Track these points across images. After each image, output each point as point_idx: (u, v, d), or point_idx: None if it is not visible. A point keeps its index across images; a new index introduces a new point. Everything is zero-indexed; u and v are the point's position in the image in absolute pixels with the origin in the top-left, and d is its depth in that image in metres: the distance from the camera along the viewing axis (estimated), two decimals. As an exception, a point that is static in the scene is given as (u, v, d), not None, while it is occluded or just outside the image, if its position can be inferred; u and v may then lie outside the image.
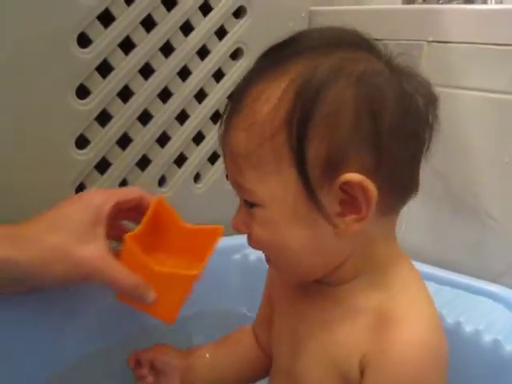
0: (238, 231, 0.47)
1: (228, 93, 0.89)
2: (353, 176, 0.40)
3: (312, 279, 0.48)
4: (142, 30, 0.76)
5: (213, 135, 0.89)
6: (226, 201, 0.88)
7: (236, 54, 0.90)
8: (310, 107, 0.40)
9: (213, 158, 0.91)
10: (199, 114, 0.87)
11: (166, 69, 0.80)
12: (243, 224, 0.46)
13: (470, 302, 0.70)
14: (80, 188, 0.75)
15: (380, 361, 0.42)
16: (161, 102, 0.81)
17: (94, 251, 0.53)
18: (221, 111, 0.89)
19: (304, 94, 0.40)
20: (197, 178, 0.90)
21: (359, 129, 0.40)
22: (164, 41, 0.79)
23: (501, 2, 1.01)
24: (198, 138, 0.88)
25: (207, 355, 0.63)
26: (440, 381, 0.42)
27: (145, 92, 0.79)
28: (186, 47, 0.82)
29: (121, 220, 0.62)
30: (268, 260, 0.49)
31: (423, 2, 1.06)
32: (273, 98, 0.41)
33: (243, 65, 0.90)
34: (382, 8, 0.98)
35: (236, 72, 0.89)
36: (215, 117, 0.89)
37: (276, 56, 0.43)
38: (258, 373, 0.62)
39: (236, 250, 0.86)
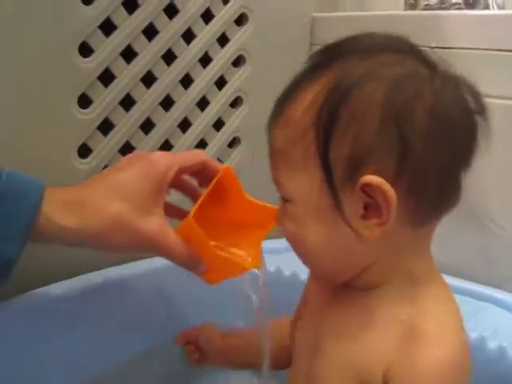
0: (277, 223, 0.50)
1: (230, 100, 0.89)
2: (372, 178, 0.40)
3: (340, 280, 0.48)
4: (143, 38, 0.76)
5: (215, 142, 0.89)
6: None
7: (238, 62, 0.90)
8: (336, 108, 0.41)
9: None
10: (201, 122, 0.86)
11: (168, 77, 0.80)
12: (279, 217, 0.48)
13: (475, 309, 0.70)
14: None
15: (407, 375, 0.41)
16: (163, 110, 0.81)
17: (154, 224, 0.53)
18: (223, 119, 0.89)
19: (332, 96, 0.41)
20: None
21: (382, 131, 0.40)
22: (166, 49, 0.79)
23: (503, 8, 1.00)
24: (201, 146, 0.88)
25: (244, 337, 0.67)
26: None
27: (147, 100, 0.78)
28: (187, 55, 0.82)
29: (181, 184, 0.61)
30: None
31: (425, 7, 1.05)
32: (307, 99, 0.42)
33: (245, 72, 0.90)
34: (385, 14, 0.97)
35: (238, 79, 0.89)
36: (217, 124, 0.89)
37: (318, 61, 0.45)
38: (279, 362, 0.61)
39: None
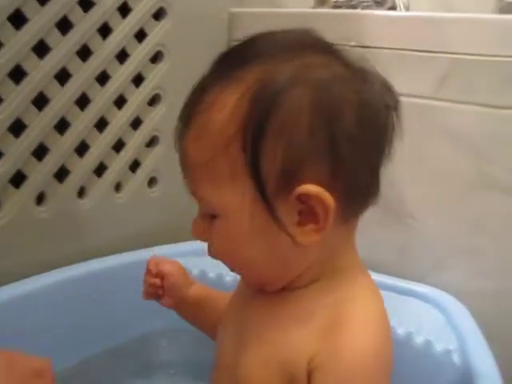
0: (199, 239, 0.46)
1: (148, 98, 0.86)
2: (309, 188, 0.39)
3: (276, 287, 0.47)
4: (57, 32, 0.71)
5: (134, 142, 0.85)
6: (148, 211, 0.88)
7: (156, 58, 0.86)
8: (265, 116, 0.38)
9: (134, 166, 0.87)
10: (119, 121, 0.82)
11: (83, 74, 0.75)
12: (203, 232, 0.45)
13: (399, 303, 0.72)
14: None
15: (329, 363, 0.41)
16: (78, 109, 0.76)
17: None
18: (141, 117, 0.86)
19: (259, 103, 0.39)
20: (118, 187, 0.86)
21: (314, 138, 0.39)
22: (81, 44, 0.74)
23: (408, 8, 1.05)
24: (119, 146, 0.84)
25: (201, 296, 0.63)
26: None
27: (61, 100, 0.73)
28: (104, 50, 0.77)
29: None
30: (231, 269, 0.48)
31: (334, 4, 1.07)
32: (227, 106, 0.40)
33: (164, 68, 0.87)
34: (300, 11, 0.98)
35: (156, 76, 0.86)
36: (135, 124, 0.85)
37: (233, 60, 0.42)
38: None
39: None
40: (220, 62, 0.43)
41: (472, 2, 0.98)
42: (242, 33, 0.95)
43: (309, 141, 0.39)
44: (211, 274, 0.83)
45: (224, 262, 0.47)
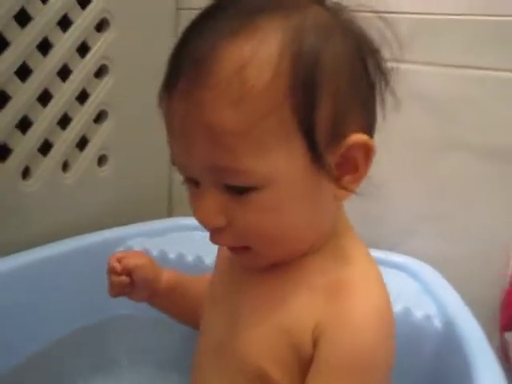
0: (210, 225, 0.41)
1: (95, 68, 0.80)
2: (358, 137, 0.39)
3: (292, 258, 0.44)
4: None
5: (80, 117, 0.79)
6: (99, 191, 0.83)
7: (101, 25, 0.80)
8: (313, 73, 0.37)
9: (81, 144, 0.81)
10: (64, 94, 0.76)
11: (22, 42, 0.68)
12: (221, 215, 0.40)
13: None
14: None
15: (335, 328, 0.40)
16: (19, 81, 0.70)
17: None
18: (88, 90, 0.80)
19: (303, 60, 0.36)
20: (65, 167, 0.79)
21: (356, 86, 0.40)
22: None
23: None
24: (65, 121, 0.78)
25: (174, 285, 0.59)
26: (392, 348, 0.41)
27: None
28: (44, 17, 0.70)
29: None
30: (242, 249, 0.43)
31: None
32: (266, 62, 0.36)
33: (110, 37, 0.81)
34: None
35: (102, 46, 0.80)
36: (81, 97, 0.79)
37: (240, 8, 0.38)
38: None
39: (119, 242, 0.79)
40: (221, 10, 0.39)
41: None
42: (190, 1, 0.91)
43: (352, 89, 0.39)
44: (171, 255, 0.79)
45: (251, 241, 0.41)
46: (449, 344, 0.60)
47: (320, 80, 0.37)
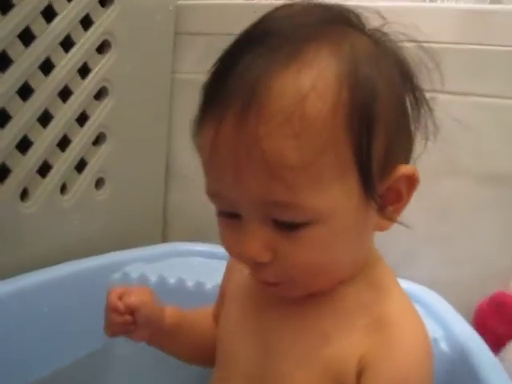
0: (255, 261, 0.39)
1: (95, 91, 0.79)
2: (405, 169, 0.39)
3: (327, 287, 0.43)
4: None
5: (80, 138, 0.78)
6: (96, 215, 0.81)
7: (103, 47, 0.80)
8: (370, 104, 0.36)
9: (79, 166, 0.80)
10: (64, 115, 0.75)
11: (26, 61, 0.67)
12: (268, 251, 0.38)
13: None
14: None
15: (383, 359, 0.39)
16: (21, 100, 0.68)
17: None
18: (87, 112, 0.78)
19: (360, 91, 0.36)
20: (63, 189, 0.78)
21: (402, 115, 0.40)
22: (23, 27, 0.66)
23: None
24: (64, 143, 0.76)
25: (177, 321, 0.54)
26: (432, 379, 0.41)
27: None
28: (48, 36, 0.70)
29: None
30: (279, 283, 0.41)
31: None
32: (325, 97, 0.35)
33: (111, 59, 0.80)
34: (247, 3, 0.96)
35: (103, 67, 0.79)
36: (81, 119, 0.78)
37: (280, 42, 0.36)
38: (210, 358, 0.53)
39: (116, 267, 0.77)
40: (265, 36, 0.37)
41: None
42: (190, 26, 0.92)
43: (400, 118, 0.40)
44: (171, 281, 0.77)
45: (295, 276, 0.40)
46: (458, 367, 0.59)
47: (377, 111, 0.37)
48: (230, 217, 0.40)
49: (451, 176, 0.75)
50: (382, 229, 0.42)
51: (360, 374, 0.40)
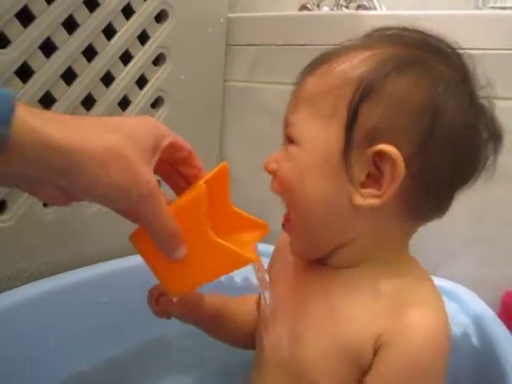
0: (265, 169, 0.48)
1: (152, 100, 0.86)
2: (390, 148, 0.41)
3: (319, 249, 0.48)
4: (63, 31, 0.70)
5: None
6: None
7: (158, 59, 0.86)
8: (384, 78, 0.42)
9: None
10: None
11: (88, 74, 0.74)
12: (275, 161, 0.48)
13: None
14: None
15: (400, 339, 0.42)
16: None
17: (152, 176, 0.41)
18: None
19: (384, 66, 0.42)
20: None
21: (416, 118, 0.42)
22: (86, 44, 0.73)
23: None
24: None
25: (214, 313, 0.58)
26: (445, 368, 0.43)
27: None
28: (108, 52, 0.77)
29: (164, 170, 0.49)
30: (286, 221, 0.49)
31: (318, 8, 1.10)
32: (358, 60, 0.44)
33: (166, 70, 0.86)
34: (294, 14, 1.00)
35: (159, 78, 0.86)
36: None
37: (374, 38, 0.47)
38: (252, 343, 0.58)
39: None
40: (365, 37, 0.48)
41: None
42: (239, 36, 0.97)
43: (410, 115, 0.42)
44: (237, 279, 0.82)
45: (282, 194, 0.48)
46: (486, 360, 0.61)
47: (384, 89, 0.42)
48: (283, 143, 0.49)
49: (493, 179, 0.76)
50: (353, 202, 0.43)
51: (376, 351, 0.43)
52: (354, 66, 0.44)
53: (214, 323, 0.59)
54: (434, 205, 0.46)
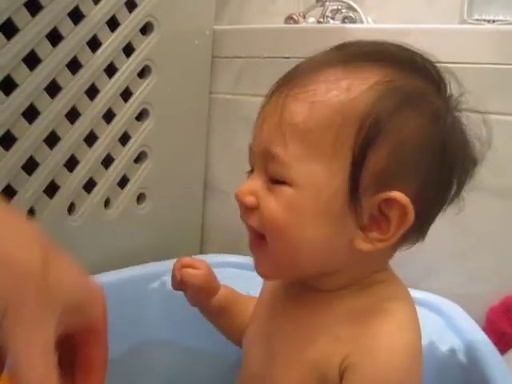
0: (241, 201, 0.43)
1: (137, 112, 0.85)
2: (401, 197, 0.40)
3: (297, 275, 0.46)
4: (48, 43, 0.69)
5: (121, 158, 0.84)
6: (137, 228, 0.87)
7: (143, 72, 0.86)
8: (390, 118, 0.39)
9: (122, 183, 0.86)
10: (108, 135, 0.81)
11: (73, 87, 0.74)
12: (253, 195, 0.43)
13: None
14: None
15: (364, 362, 0.41)
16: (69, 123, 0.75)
17: None
18: (129, 133, 0.84)
19: (388, 103, 0.40)
20: (106, 203, 0.84)
21: (422, 161, 0.41)
22: (71, 56, 0.73)
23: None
24: (107, 161, 0.82)
25: (222, 306, 0.59)
26: None
27: (51, 112, 0.72)
28: (93, 64, 0.76)
29: None
30: (257, 241, 0.44)
31: (304, 20, 1.11)
32: (354, 89, 0.40)
33: (151, 82, 0.86)
34: (281, 27, 1.00)
35: (145, 90, 0.85)
36: (123, 139, 0.84)
37: (352, 53, 0.43)
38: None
39: (154, 277, 0.81)
40: (336, 50, 0.44)
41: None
42: (225, 49, 0.97)
43: (416, 159, 0.41)
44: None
45: (263, 231, 0.43)
46: (475, 378, 0.60)
47: (391, 130, 0.40)
48: (250, 172, 0.46)
49: (473, 191, 0.76)
50: (355, 247, 0.42)
51: (342, 375, 0.41)
52: (355, 98, 0.40)
53: (219, 315, 0.59)
54: (422, 233, 0.46)
